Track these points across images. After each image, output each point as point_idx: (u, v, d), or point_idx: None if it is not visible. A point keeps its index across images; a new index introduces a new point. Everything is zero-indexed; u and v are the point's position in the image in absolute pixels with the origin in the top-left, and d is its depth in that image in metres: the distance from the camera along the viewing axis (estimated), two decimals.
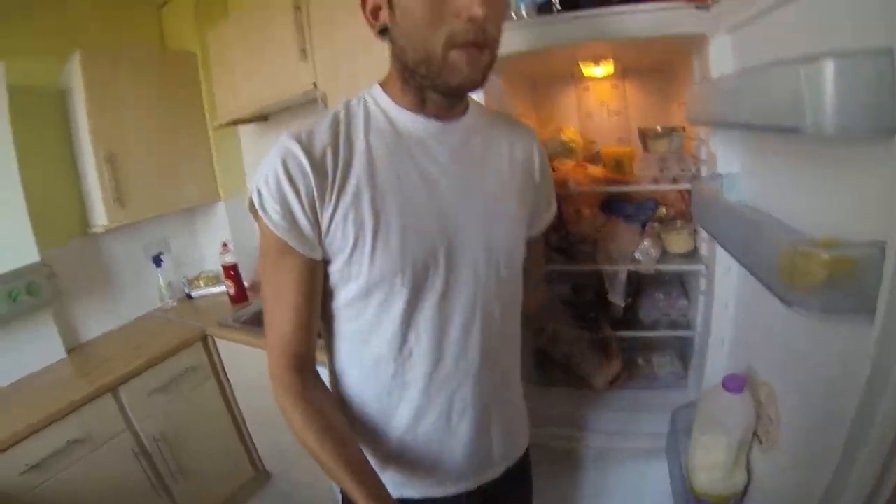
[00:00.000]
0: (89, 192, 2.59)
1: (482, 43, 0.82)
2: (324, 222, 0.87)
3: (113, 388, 2.21)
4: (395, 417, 0.99)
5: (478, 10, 0.77)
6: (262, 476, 2.86)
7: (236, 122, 2.79)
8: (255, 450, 2.81)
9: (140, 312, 2.96)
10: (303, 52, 2.15)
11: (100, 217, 2.55)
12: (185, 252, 3.21)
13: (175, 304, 3.02)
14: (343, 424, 0.94)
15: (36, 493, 1.95)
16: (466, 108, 0.99)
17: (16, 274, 2.21)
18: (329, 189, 0.87)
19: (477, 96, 1.58)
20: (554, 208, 1.21)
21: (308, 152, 0.85)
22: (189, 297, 3.10)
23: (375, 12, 0.87)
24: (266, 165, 0.87)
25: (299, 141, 0.86)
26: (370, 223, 0.88)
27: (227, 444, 2.69)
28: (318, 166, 0.86)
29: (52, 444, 2.00)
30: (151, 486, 2.32)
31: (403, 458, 1.01)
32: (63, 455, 2.03)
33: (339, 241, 0.88)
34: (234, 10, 2.78)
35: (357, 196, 0.88)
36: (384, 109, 0.93)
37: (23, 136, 2.25)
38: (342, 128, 0.90)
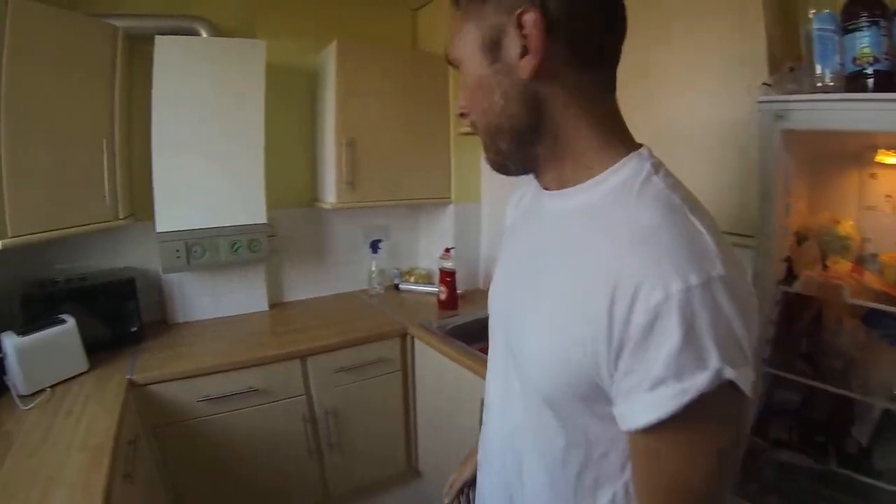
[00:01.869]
0: (324, 171, 2.79)
1: (476, 132, 0.79)
2: None
3: (303, 356, 2.33)
4: None
5: (459, 108, 0.80)
6: (411, 473, 2.80)
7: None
8: (416, 448, 2.76)
9: (345, 290, 3.13)
10: None
11: (329, 195, 2.71)
12: (403, 244, 3.32)
13: (381, 291, 3.10)
14: None
15: (204, 421, 2.14)
16: (579, 180, 0.74)
17: (242, 229, 2.45)
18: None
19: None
20: (657, 410, 0.59)
21: (512, 201, 1.03)
22: (396, 288, 3.18)
23: None
24: None
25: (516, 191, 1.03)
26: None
27: (390, 436, 2.68)
28: (510, 214, 1.03)
29: (234, 386, 2.17)
30: (308, 450, 2.40)
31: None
32: (240, 398, 2.18)
33: None
34: None
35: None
36: None
37: (272, 108, 2.49)
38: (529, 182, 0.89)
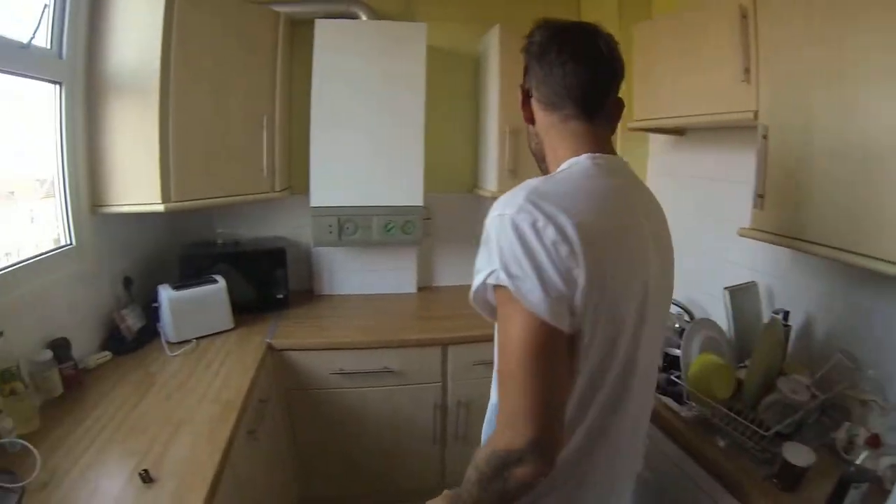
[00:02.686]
0: (486, 157, 2.70)
1: None
2: None
3: (445, 344, 2.28)
4: None
5: None
6: None
7: (648, 129, 2.46)
8: None
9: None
10: (746, 71, 1.68)
11: (490, 182, 2.62)
12: None
13: None
14: None
15: (334, 392, 2.19)
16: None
17: (397, 210, 2.46)
18: None
19: None
20: (475, 280, 0.94)
21: None
22: None
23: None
24: None
25: None
26: None
27: None
28: None
29: (369, 363, 2.19)
30: (433, 436, 2.36)
31: None
32: (373, 376, 2.20)
33: None
34: (658, 10, 2.49)
35: None
36: None
37: (434, 92, 2.46)
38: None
